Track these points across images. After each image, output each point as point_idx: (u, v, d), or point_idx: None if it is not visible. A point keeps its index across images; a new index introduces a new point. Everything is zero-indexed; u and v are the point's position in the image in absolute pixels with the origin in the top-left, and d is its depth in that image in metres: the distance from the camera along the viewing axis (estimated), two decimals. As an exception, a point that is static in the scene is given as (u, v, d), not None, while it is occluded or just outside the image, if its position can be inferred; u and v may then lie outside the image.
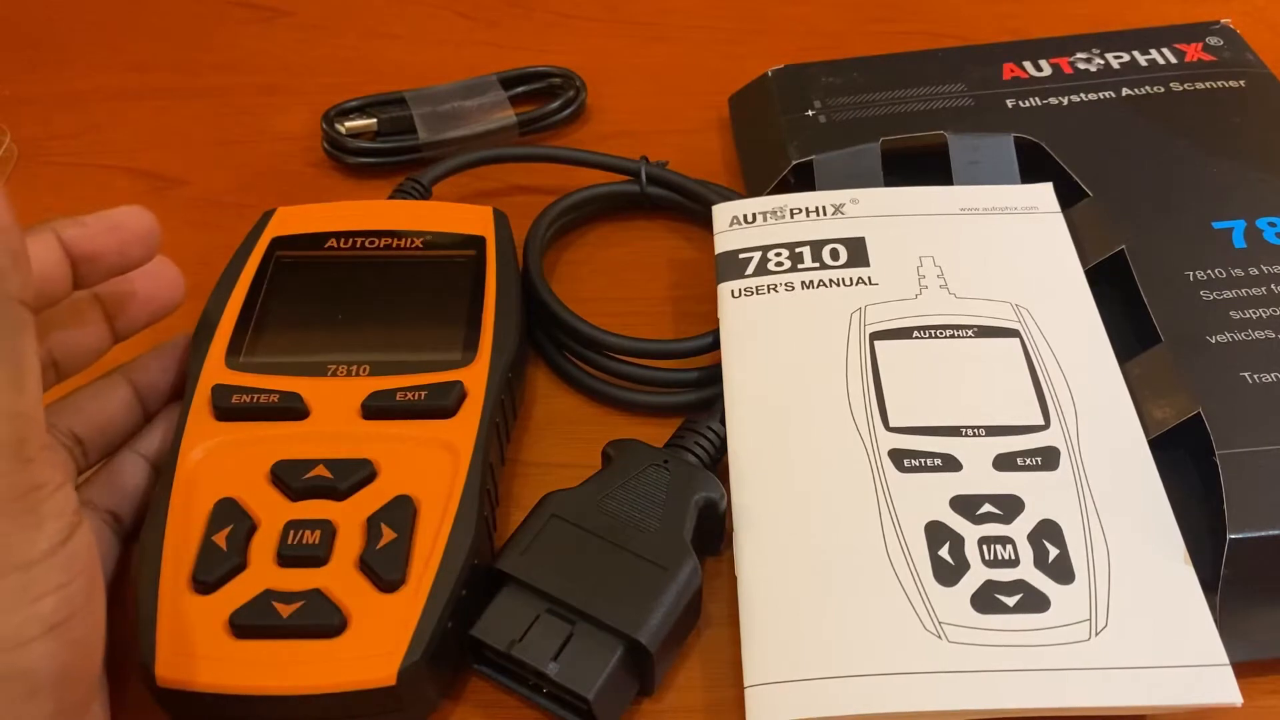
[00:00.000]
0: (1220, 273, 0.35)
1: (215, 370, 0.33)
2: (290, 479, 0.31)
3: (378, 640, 0.28)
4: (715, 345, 0.36)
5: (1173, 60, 0.44)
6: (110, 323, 0.32)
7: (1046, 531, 0.30)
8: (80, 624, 0.24)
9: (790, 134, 0.43)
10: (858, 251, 0.37)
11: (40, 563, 0.23)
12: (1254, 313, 0.34)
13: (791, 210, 0.39)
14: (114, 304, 0.32)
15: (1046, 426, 0.32)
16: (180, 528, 0.30)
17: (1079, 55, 0.45)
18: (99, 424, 0.32)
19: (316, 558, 0.29)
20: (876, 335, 0.35)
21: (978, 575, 0.29)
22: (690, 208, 0.43)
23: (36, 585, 0.23)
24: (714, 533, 0.32)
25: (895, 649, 0.28)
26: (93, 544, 0.25)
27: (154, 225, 0.30)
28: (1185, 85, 0.43)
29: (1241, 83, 0.43)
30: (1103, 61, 0.45)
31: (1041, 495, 0.31)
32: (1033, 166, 0.41)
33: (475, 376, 0.33)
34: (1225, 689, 0.27)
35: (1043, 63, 0.45)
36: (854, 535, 0.30)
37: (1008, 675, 0.28)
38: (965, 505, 0.31)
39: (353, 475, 0.31)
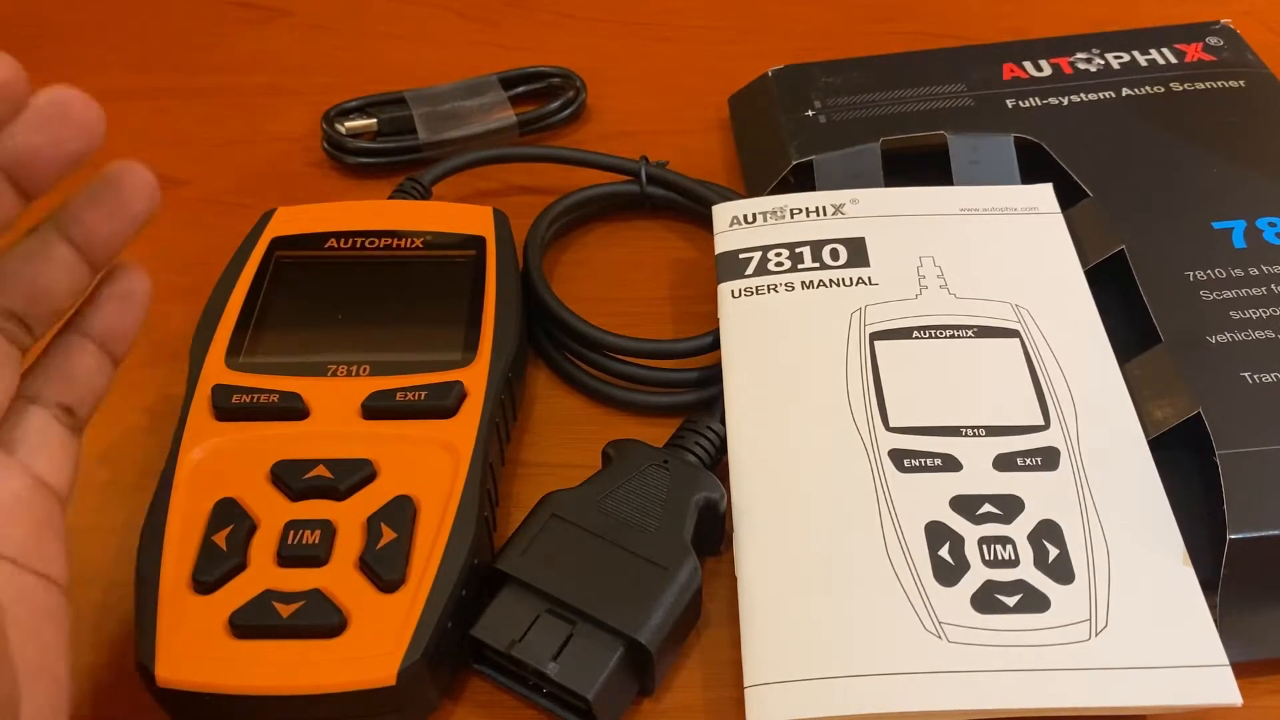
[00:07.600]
0: (1220, 273, 0.35)
1: (215, 370, 0.33)
2: (290, 479, 0.31)
3: (377, 640, 0.28)
4: (715, 345, 0.36)
5: (1173, 60, 0.44)
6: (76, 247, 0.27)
7: (1046, 531, 0.30)
8: None
9: (790, 134, 0.43)
10: (858, 251, 0.37)
11: None
12: (1254, 313, 0.34)
13: (791, 210, 0.39)
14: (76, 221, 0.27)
15: (1046, 426, 0.32)
16: (180, 528, 0.30)
17: (1079, 55, 0.45)
18: (35, 292, 0.26)
19: (316, 558, 0.29)
20: (876, 335, 0.35)
21: (978, 575, 0.29)
22: (690, 208, 0.43)
23: None
24: (714, 533, 0.32)
25: (895, 649, 0.28)
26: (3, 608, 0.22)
27: (99, 114, 0.26)
28: (1185, 85, 0.43)
29: (1241, 83, 0.43)
30: (1103, 61, 0.45)
31: (1041, 495, 0.31)
32: (1033, 166, 0.41)
33: (475, 376, 0.33)
34: (1225, 689, 0.27)
35: (1043, 63, 0.45)
36: (854, 535, 0.30)
37: (1008, 675, 0.28)
38: (965, 505, 0.31)
39: (353, 475, 0.31)
